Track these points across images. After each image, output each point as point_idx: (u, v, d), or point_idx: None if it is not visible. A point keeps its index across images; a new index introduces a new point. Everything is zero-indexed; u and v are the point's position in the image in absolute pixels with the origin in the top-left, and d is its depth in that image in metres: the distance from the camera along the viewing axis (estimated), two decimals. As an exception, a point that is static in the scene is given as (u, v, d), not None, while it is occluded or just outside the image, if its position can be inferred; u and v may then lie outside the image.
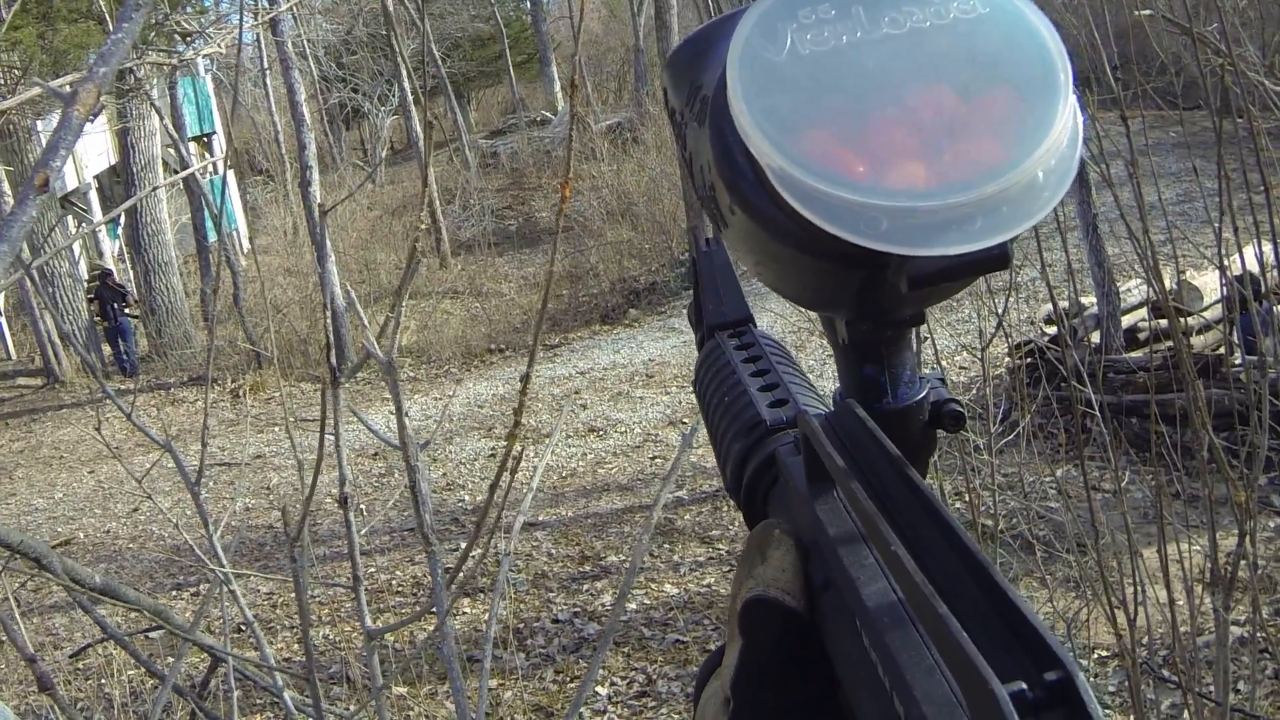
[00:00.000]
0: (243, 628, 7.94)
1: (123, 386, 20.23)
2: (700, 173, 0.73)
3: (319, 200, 17.98)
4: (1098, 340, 9.63)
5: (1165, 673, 5.45)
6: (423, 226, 1.93)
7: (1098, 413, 4.58)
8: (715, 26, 0.77)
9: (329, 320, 2.36)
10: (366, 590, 2.19)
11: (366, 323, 2.03)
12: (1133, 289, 10.95)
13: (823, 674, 0.70)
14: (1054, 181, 0.61)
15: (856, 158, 0.62)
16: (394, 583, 9.55)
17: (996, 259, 0.63)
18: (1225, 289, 4.59)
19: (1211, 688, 4.74)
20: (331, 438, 2.05)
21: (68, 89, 1.43)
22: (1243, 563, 4.01)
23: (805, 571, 0.72)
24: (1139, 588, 4.29)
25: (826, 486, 0.72)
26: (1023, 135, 0.61)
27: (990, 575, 0.54)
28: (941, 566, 0.56)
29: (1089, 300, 10.25)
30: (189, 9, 21.15)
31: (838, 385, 0.81)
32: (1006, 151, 0.61)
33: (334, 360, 2.09)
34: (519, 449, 1.86)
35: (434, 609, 2.02)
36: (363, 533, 2.27)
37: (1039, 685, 0.48)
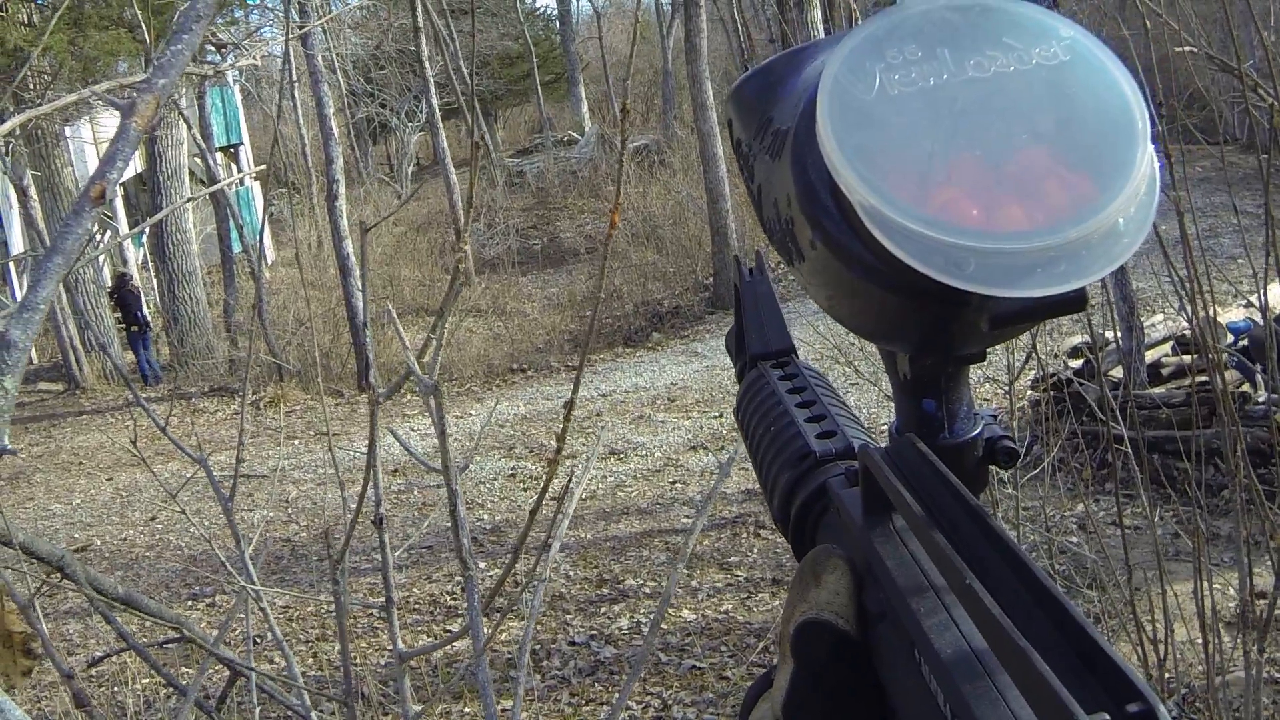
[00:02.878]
0: (258, 640, 7.92)
1: (143, 395, 20.25)
2: (774, 206, 0.74)
3: (345, 214, 18.03)
4: (1120, 375, 9.60)
5: (1187, 712, 5.42)
6: (466, 245, 1.91)
7: (1129, 448, 4.56)
8: (783, 61, 0.78)
9: (367, 339, 2.36)
10: (384, 608, 2.18)
11: (408, 343, 2.02)
12: (1157, 324, 10.92)
13: (874, 699, 0.71)
14: (1133, 228, 0.62)
15: (946, 199, 0.62)
16: (411, 600, 9.54)
17: (1074, 301, 0.64)
18: (1265, 327, 4.57)
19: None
20: (371, 455, 2.04)
21: (125, 99, 1.42)
22: (1263, 602, 3.99)
23: (859, 597, 0.72)
24: (1168, 625, 4.28)
25: (882, 518, 0.73)
26: (1104, 182, 0.62)
27: (1064, 608, 0.55)
28: (1013, 599, 0.56)
29: (1110, 335, 10.23)
30: (221, 20, 21.24)
31: (893, 419, 0.81)
32: (1089, 198, 0.62)
33: (373, 380, 2.08)
34: (549, 471, 1.85)
35: (468, 633, 2.01)
36: (397, 553, 2.26)
37: (1121, 717, 0.48)
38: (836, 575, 0.73)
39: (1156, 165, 0.65)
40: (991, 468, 0.81)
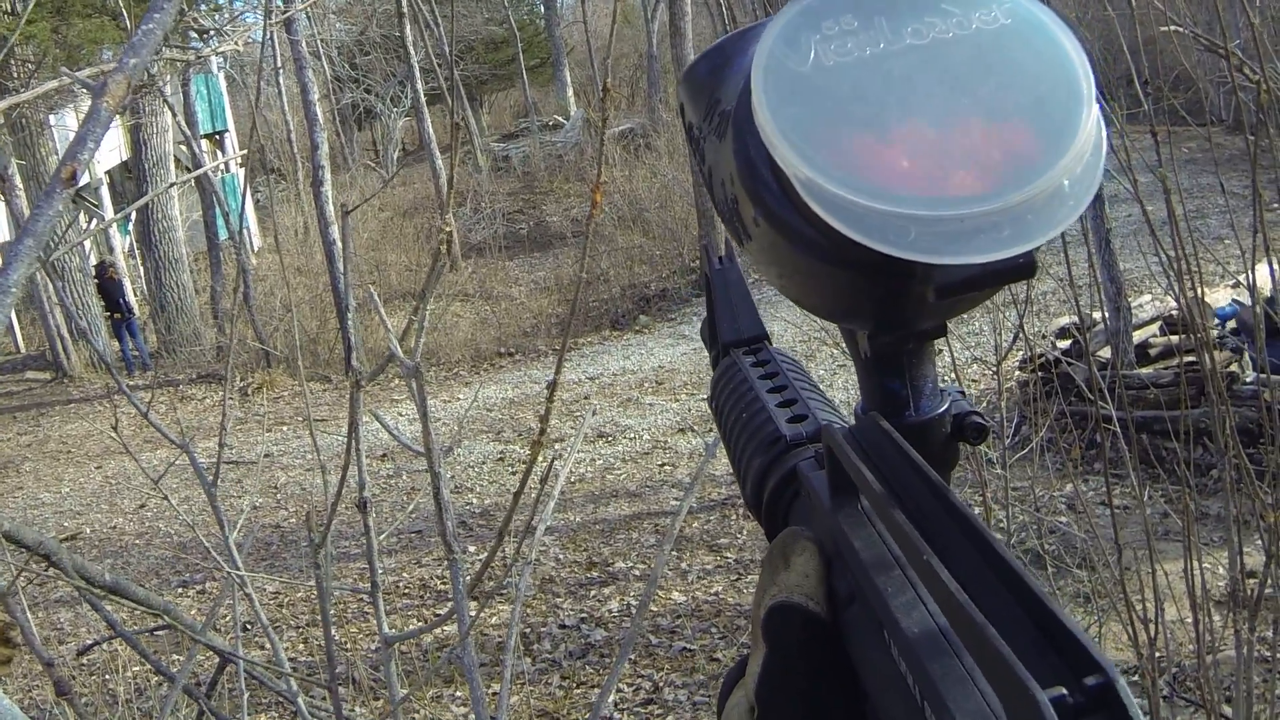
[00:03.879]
0: (248, 627, 7.92)
1: (130, 383, 20.24)
2: (721, 186, 0.74)
3: (331, 200, 18.02)
4: (1108, 355, 9.62)
5: (1178, 690, 5.43)
6: (448, 228, 1.90)
7: (1117, 428, 4.57)
8: (731, 42, 0.77)
9: (350, 323, 2.34)
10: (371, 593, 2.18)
11: (390, 327, 2.01)
12: (1144, 304, 10.95)
13: (847, 682, 0.70)
14: (1079, 190, 0.62)
15: (883, 167, 0.62)
16: (400, 585, 9.55)
17: (1023, 268, 0.64)
18: (1253, 306, 4.58)
19: (1226, 708, 4.72)
20: (353, 438, 2.03)
21: (96, 80, 1.40)
22: (1253, 581, 4.00)
23: (829, 579, 0.72)
24: (1159, 604, 4.28)
25: (850, 499, 0.72)
26: (1047, 144, 0.62)
27: (1024, 582, 0.54)
28: (974, 575, 0.56)
29: (1097, 315, 10.25)
30: (204, 6, 21.20)
31: (859, 399, 0.81)
32: (1032, 160, 0.62)
33: (356, 363, 2.07)
34: (541, 455, 1.84)
35: (454, 616, 2.00)
36: (381, 537, 2.25)
37: (1079, 690, 0.48)
38: (805, 557, 0.73)
39: (1103, 127, 0.65)
40: (964, 444, 0.80)
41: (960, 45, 0.65)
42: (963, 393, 0.80)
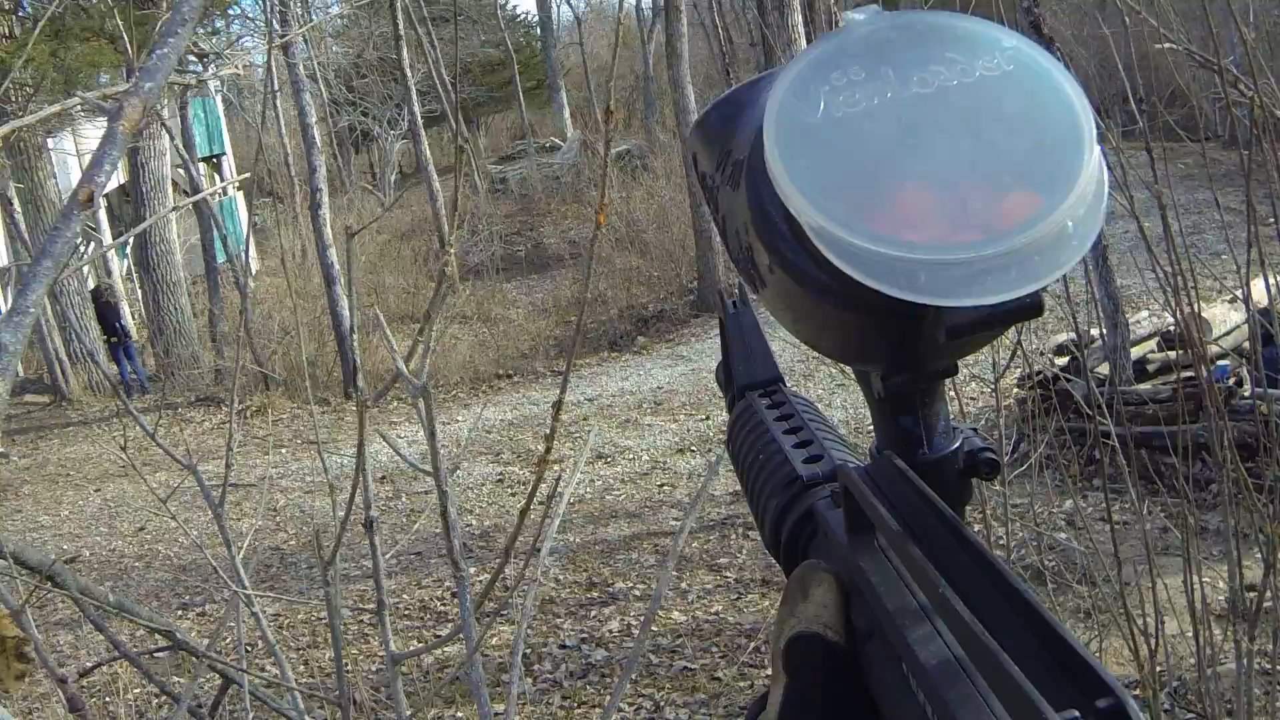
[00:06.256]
0: (250, 647, 7.92)
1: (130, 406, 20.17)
2: (735, 235, 0.75)
3: (329, 223, 18.03)
4: (1107, 372, 9.61)
5: (1180, 703, 5.43)
6: (451, 251, 1.92)
7: (1116, 444, 4.58)
8: (742, 91, 0.78)
9: (352, 344, 2.36)
10: (374, 613, 2.19)
11: (395, 347, 2.03)
12: (1142, 320, 10.95)
13: (868, 716, 0.70)
14: (1083, 230, 0.63)
15: (893, 214, 0.63)
16: (401, 606, 9.54)
17: (1030, 307, 0.64)
18: (1249, 321, 4.60)
19: (1228, 721, 4.73)
20: (361, 459, 2.04)
21: (112, 103, 1.42)
22: (1253, 594, 4.01)
23: (848, 611, 0.72)
24: (1159, 618, 4.29)
25: (866, 536, 0.73)
26: (1051, 188, 0.63)
27: (1035, 609, 0.55)
28: (990, 606, 0.57)
29: (1095, 331, 10.24)
30: (202, 30, 21.23)
31: (873, 439, 0.81)
32: (1036, 204, 0.63)
33: (360, 384, 2.08)
34: (538, 472, 1.85)
35: (461, 635, 2.01)
36: (388, 556, 2.27)
37: (1091, 713, 0.49)
38: (824, 589, 0.73)
39: (1104, 168, 0.66)
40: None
41: (965, 93, 0.66)
42: (975, 429, 0.81)
